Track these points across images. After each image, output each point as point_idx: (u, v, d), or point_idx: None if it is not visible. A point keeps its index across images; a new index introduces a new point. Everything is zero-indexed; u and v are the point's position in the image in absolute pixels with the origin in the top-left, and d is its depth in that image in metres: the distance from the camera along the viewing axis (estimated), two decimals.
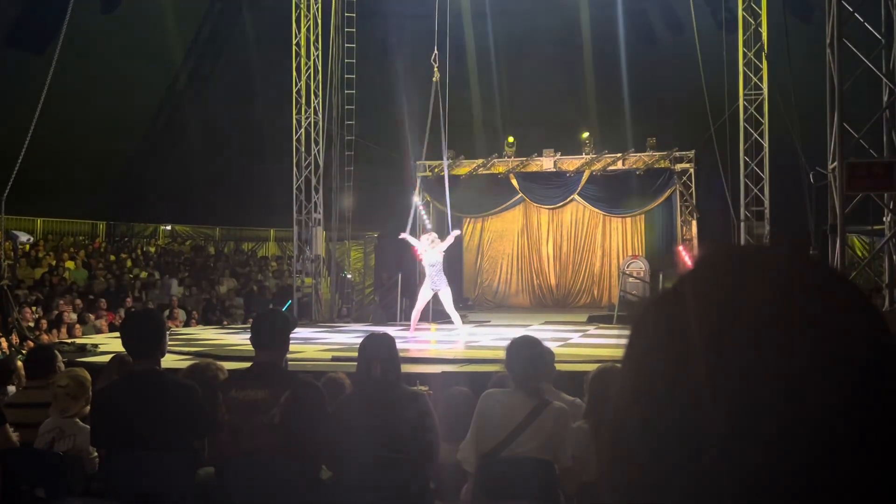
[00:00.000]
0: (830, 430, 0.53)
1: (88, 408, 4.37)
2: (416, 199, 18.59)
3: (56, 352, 5.41)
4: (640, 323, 0.63)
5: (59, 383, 4.35)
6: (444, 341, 11.04)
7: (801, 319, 0.56)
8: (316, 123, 16.74)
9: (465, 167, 18.59)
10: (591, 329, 13.24)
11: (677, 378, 0.56)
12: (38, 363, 5.07)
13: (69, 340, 11.21)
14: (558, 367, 5.28)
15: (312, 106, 16.68)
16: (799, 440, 0.53)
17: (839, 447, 0.53)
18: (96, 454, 4.21)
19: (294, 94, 16.58)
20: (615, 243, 18.89)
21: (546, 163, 18.44)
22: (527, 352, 3.92)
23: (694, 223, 17.38)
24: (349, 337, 10.85)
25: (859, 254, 14.42)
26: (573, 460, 3.66)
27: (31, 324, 12.48)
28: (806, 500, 0.53)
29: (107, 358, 6.59)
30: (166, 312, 14.72)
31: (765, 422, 0.53)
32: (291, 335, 4.07)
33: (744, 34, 15.24)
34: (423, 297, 11.50)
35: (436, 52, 13.03)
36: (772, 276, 0.59)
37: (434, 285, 11.22)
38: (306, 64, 16.62)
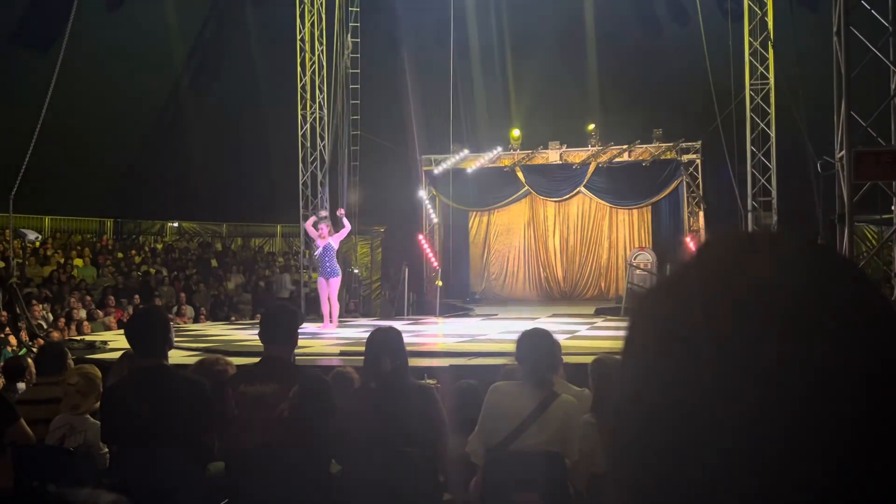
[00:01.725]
0: (837, 415, 0.52)
1: (98, 404, 4.40)
2: (422, 194, 18.60)
3: (66, 349, 5.43)
4: (640, 312, 0.62)
5: (69, 381, 4.36)
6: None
7: (805, 303, 0.55)
8: (321, 119, 16.74)
9: (471, 160, 18.57)
10: (599, 321, 13.24)
11: (679, 367, 0.55)
12: (48, 360, 5.10)
13: (78, 337, 11.27)
14: (566, 359, 5.27)
15: (317, 101, 16.68)
16: (806, 427, 0.52)
17: (847, 433, 0.52)
18: (107, 450, 4.23)
19: (299, 89, 16.58)
20: (622, 235, 18.86)
21: (552, 155, 18.40)
22: (538, 344, 3.92)
23: (701, 214, 17.34)
24: (357, 331, 10.86)
25: (869, 244, 14.37)
26: (580, 454, 3.65)
27: (41, 322, 12.55)
28: (816, 491, 0.52)
29: (115, 354, 6.63)
30: (174, 309, 14.78)
31: (770, 410, 0.53)
32: (299, 330, 4.08)
33: (750, 23, 15.17)
34: (324, 287, 11.50)
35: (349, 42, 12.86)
36: (775, 262, 0.58)
37: (328, 273, 11.31)
38: (311, 59, 16.62)
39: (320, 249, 11.44)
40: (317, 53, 16.67)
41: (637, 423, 0.58)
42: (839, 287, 0.57)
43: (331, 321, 11.53)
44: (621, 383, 0.60)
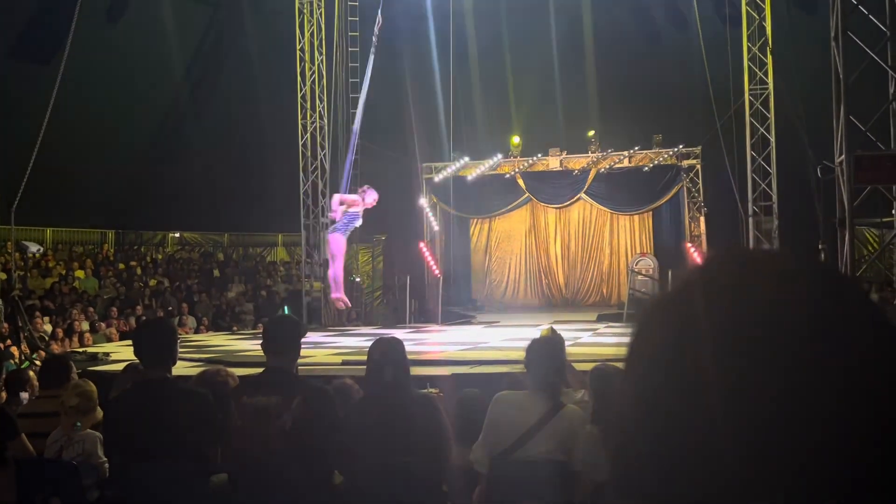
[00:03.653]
0: (837, 430, 0.53)
1: (99, 412, 4.41)
2: (423, 202, 18.61)
3: (71, 362, 5.43)
4: (644, 321, 0.62)
5: (69, 403, 4.35)
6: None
7: (807, 321, 0.56)
8: (321, 127, 16.78)
9: (472, 168, 18.58)
10: (601, 328, 13.23)
11: (680, 378, 0.56)
12: (53, 373, 5.08)
13: (81, 349, 11.27)
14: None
15: (318, 110, 16.73)
16: (806, 442, 0.53)
17: (847, 447, 0.53)
18: (105, 460, 4.23)
19: (299, 98, 16.62)
20: (623, 241, 18.86)
21: (552, 162, 18.42)
22: (547, 353, 3.90)
23: (702, 219, 17.33)
24: (359, 340, 10.86)
25: (870, 247, 14.37)
26: (583, 463, 3.65)
27: (42, 334, 12.55)
28: (814, 500, 0.53)
29: (118, 366, 6.63)
30: (176, 320, 14.78)
31: (771, 424, 0.53)
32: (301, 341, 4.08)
33: (748, 29, 15.20)
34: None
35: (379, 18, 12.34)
36: (777, 278, 0.59)
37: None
38: (311, 68, 16.67)
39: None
40: (317, 63, 16.72)
41: (637, 428, 0.59)
42: (837, 302, 0.58)
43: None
44: (622, 389, 0.61)
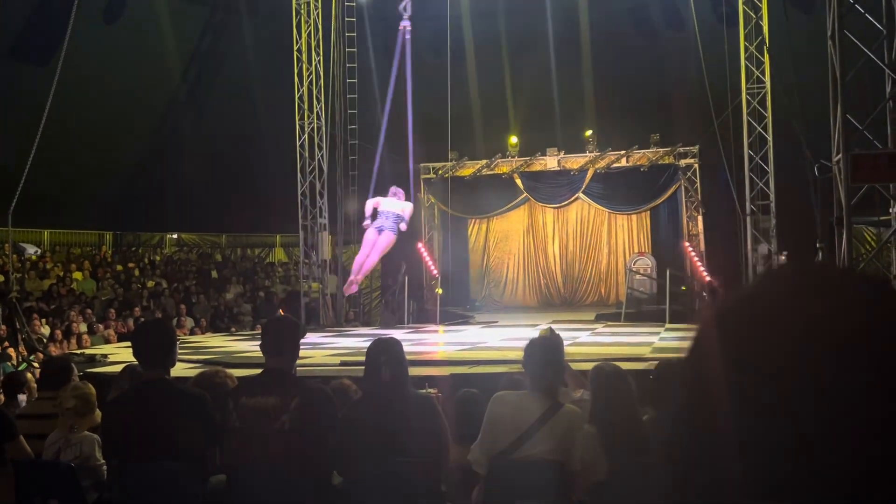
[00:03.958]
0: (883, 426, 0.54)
1: (97, 415, 4.40)
2: (421, 202, 18.62)
3: (72, 364, 5.41)
4: (712, 323, 0.64)
5: (66, 405, 4.34)
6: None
7: (867, 332, 0.58)
8: (319, 128, 16.78)
9: (469, 168, 18.58)
10: (600, 327, 13.25)
11: (744, 379, 0.58)
12: (53, 374, 5.07)
13: (79, 351, 11.26)
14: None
15: (315, 111, 16.73)
16: (872, 465, 0.54)
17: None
18: (103, 461, 4.23)
19: (296, 99, 16.62)
20: (621, 241, 18.87)
21: (550, 162, 18.43)
22: (547, 353, 3.91)
23: (700, 218, 17.34)
24: (357, 341, 10.86)
25: (868, 246, 14.39)
26: (581, 464, 3.65)
27: (40, 336, 12.54)
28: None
29: (116, 368, 6.62)
30: (174, 321, 14.77)
31: (837, 444, 0.55)
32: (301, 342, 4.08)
33: (745, 28, 15.22)
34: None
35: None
36: (844, 293, 0.61)
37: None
38: (308, 70, 16.67)
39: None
40: (314, 64, 16.72)
41: (698, 441, 0.61)
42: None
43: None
44: (686, 383, 0.64)
